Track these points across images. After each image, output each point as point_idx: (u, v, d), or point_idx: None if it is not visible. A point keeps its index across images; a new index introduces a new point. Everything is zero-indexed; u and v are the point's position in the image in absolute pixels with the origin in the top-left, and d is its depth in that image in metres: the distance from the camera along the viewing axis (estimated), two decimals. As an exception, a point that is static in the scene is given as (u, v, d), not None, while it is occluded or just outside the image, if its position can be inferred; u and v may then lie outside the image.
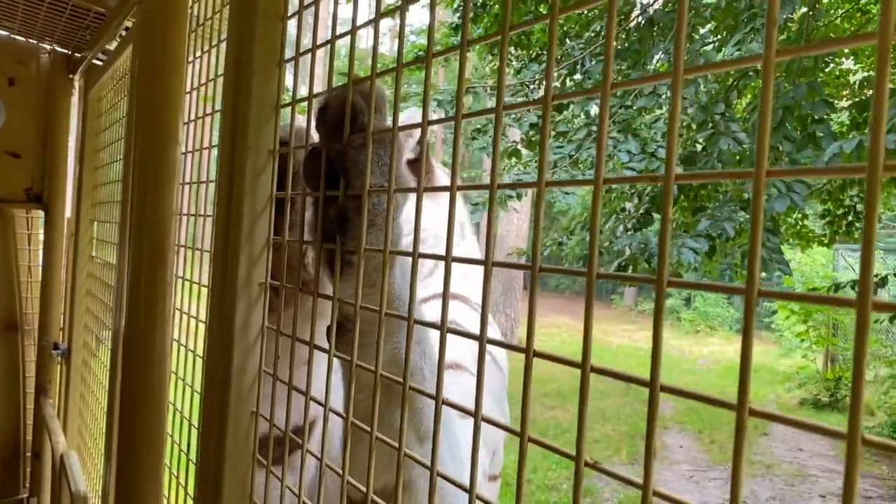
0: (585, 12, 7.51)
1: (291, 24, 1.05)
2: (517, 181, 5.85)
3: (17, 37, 2.60)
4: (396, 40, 0.76)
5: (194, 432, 1.23)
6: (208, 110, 1.39)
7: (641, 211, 5.15)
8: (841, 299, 0.37)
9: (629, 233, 5.04)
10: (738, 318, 19.89)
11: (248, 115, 1.02)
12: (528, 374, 0.54)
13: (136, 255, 1.36)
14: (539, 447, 0.53)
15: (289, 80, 1.07)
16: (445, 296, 0.63)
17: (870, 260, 0.35)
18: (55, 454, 2.14)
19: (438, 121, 0.69)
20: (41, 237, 2.74)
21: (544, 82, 0.55)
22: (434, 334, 0.65)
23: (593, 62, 5.44)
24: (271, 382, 0.95)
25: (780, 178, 0.40)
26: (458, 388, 1.24)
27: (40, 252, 2.72)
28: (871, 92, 7.40)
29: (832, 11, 7.77)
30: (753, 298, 0.39)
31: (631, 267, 4.90)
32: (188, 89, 1.46)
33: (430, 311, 1.42)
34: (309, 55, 0.96)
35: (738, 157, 4.77)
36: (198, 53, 1.43)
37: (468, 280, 1.55)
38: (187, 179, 1.47)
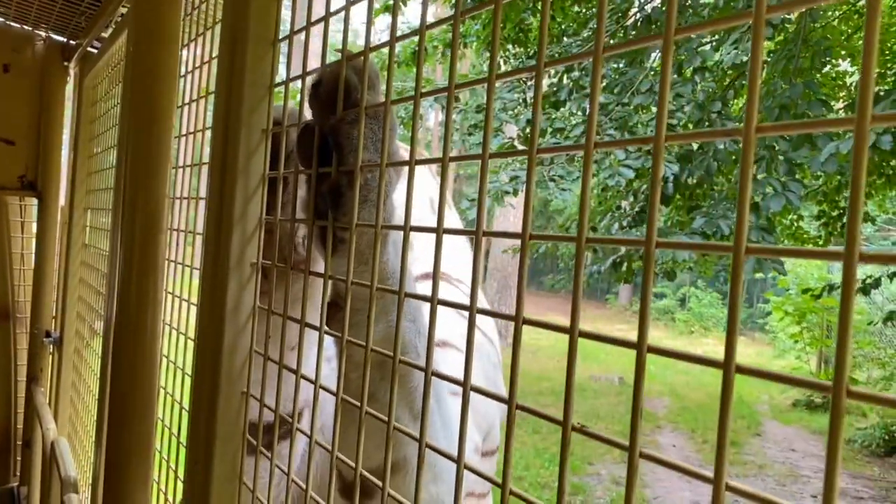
0: (583, 10, 7.52)
1: (286, 4, 1.04)
2: (513, 178, 5.86)
3: (13, 23, 2.59)
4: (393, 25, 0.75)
5: (185, 415, 1.23)
6: (203, 93, 1.39)
7: (637, 209, 5.15)
8: (829, 251, 0.37)
9: (624, 230, 5.04)
10: (732, 319, 19.92)
11: (241, 95, 1.01)
12: (518, 343, 0.54)
13: (127, 239, 1.36)
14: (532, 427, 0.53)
15: (283, 72, 1.07)
16: (436, 269, 0.62)
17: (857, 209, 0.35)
18: (46, 442, 2.13)
19: (431, 92, 0.69)
20: (34, 225, 2.72)
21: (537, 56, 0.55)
22: (427, 311, 0.65)
23: (590, 59, 5.42)
24: (262, 364, 0.94)
25: (768, 133, 0.40)
26: (448, 366, 1.24)
27: (33, 240, 2.71)
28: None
29: (829, 13, 7.79)
30: (741, 256, 0.39)
31: (625, 264, 4.91)
32: (182, 73, 1.45)
33: (420, 290, 1.42)
34: (303, 34, 0.95)
35: (734, 157, 4.78)
36: (192, 36, 1.43)
37: (456, 264, 1.55)
38: (182, 162, 1.47)
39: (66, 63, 2.72)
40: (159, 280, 1.36)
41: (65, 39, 2.65)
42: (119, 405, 1.32)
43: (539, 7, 6.99)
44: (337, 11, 0.84)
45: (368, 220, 0.82)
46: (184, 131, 1.45)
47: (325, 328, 0.81)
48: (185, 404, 1.21)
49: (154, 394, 1.32)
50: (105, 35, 2.36)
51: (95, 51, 2.52)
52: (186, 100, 1.46)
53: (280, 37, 1.02)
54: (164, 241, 1.38)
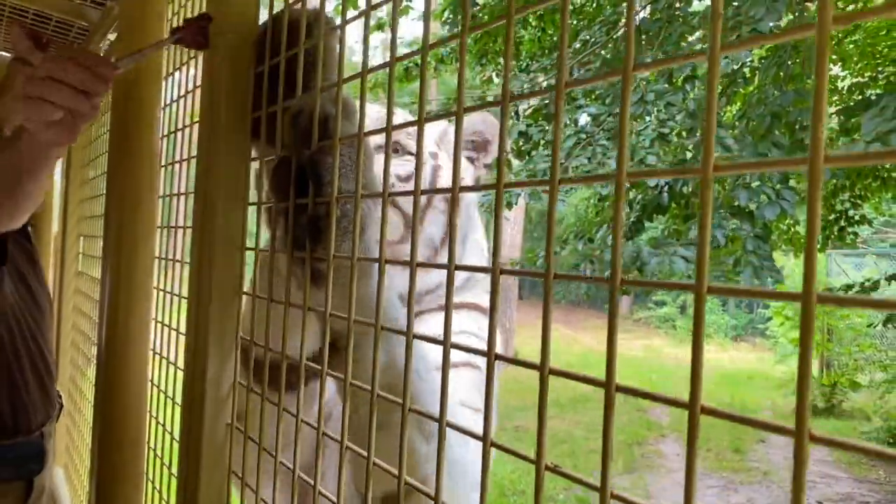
0: (573, 21, 7.54)
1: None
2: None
3: (2, 52, 2.60)
4: (388, 52, 0.76)
5: (175, 445, 1.23)
6: (187, 122, 1.39)
7: (633, 219, 5.16)
8: (788, 294, 0.37)
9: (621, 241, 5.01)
10: (732, 325, 19.92)
11: (223, 124, 1.02)
12: (490, 376, 0.54)
13: (114, 269, 1.36)
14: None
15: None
16: (448, 306, 0.62)
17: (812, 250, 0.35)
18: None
19: (404, 125, 0.69)
20: (28, 252, 2.72)
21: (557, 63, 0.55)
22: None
23: (581, 71, 5.47)
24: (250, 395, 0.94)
25: (726, 173, 0.40)
26: (460, 381, 1.25)
27: (27, 267, 2.70)
28: (859, 97, 7.45)
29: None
30: (703, 294, 0.39)
31: (628, 275, 4.85)
32: (164, 103, 1.46)
33: (433, 321, 1.42)
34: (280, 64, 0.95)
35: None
36: (177, 65, 1.43)
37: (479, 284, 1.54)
38: (168, 191, 1.47)
39: (56, 90, 2.72)
40: (147, 308, 1.36)
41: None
42: (108, 433, 1.32)
43: (531, 21, 7.05)
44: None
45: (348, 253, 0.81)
46: (169, 160, 1.45)
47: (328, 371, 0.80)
48: (175, 433, 1.21)
49: (143, 421, 1.32)
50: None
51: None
52: (170, 129, 1.47)
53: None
54: (152, 270, 1.38)
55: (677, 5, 5.69)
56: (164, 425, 1.32)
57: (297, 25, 0.86)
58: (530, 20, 6.96)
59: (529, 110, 5.37)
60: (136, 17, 1.43)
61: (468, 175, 1.54)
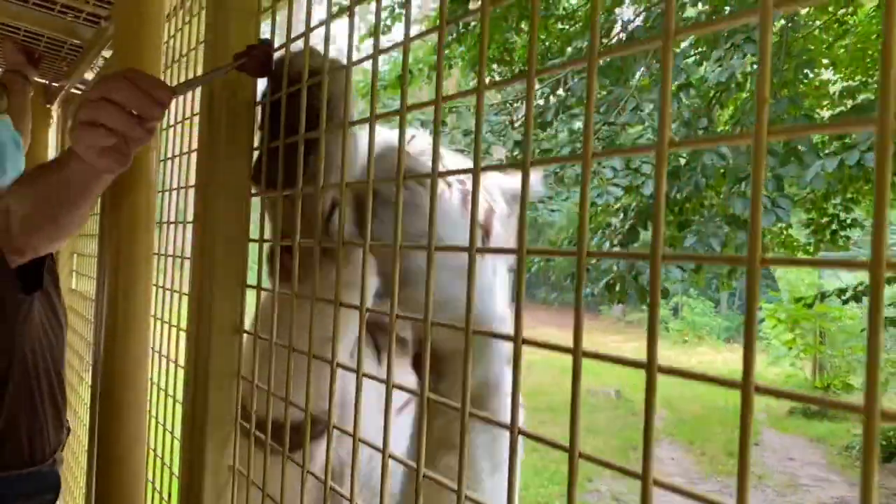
0: (567, 27, 7.55)
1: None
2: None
3: (-5, 69, 2.58)
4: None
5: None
6: (185, 147, 1.37)
7: (627, 227, 5.16)
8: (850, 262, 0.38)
9: (615, 248, 5.04)
10: (725, 327, 19.98)
11: (222, 156, 1.00)
12: (518, 364, 0.52)
13: (111, 296, 1.34)
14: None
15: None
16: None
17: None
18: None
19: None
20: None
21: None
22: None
23: (576, 80, 5.47)
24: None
25: (778, 138, 0.41)
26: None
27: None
28: (850, 103, 7.47)
29: (811, 23, 7.84)
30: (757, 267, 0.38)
31: (618, 285, 4.90)
32: (163, 126, 1.44)
33: None
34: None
35: (722, 171, 4.80)
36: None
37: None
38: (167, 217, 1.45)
39: (48, 105, 2.71)
40: (146, 338, 1.34)
41: (47, 82, 2.64)
42: (106, 468, 1.30)
43: (524, 26, 7.04)
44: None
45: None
46: (167, 186, 1.44)
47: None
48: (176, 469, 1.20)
49: (142, 456, 1.31)
50: (88, 77, 2.35)
51: (78, 92, 2.51)
52: (170, 154, 1.45)
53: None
54: (148, 301, 1.37)
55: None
56: (161, 458, 1.30)
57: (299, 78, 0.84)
58: (523, 26, 6.96)
59: (522, 118, 5.38)
60: (132, 37, 1.41)
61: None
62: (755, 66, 5.79)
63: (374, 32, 0.72)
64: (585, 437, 9.79)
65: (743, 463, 0.39)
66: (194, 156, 1.22)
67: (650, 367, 0.44)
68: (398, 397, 1.06)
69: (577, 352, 0.49)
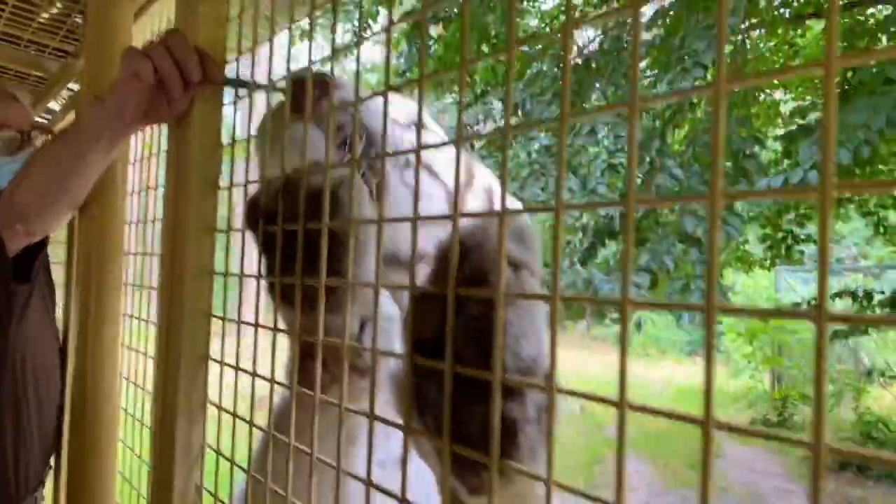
0: (526, 48, 7.71)
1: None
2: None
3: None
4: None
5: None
6: (151, 183, 1.43)
7: (586, 245, 5.28)
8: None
9: (574, 267, 5.17)
10: (687, 341, 20.23)
11: (189, 193, 1.07)
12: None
13: (82, 324, 1.39)
14: None
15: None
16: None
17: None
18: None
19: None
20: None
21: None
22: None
23: (533, 104, 5.60)
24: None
25: (733, 199, 0.43)
26: None
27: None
28: (800, 122, 7.72)
29: (761, 45, 8.10)
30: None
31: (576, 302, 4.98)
32: (132, 161, 1.50)
33: None
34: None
35: (676, 191, 4.95)
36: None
37: None
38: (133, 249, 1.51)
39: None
40: (114, 365, 1.39)
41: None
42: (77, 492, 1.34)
43: (484, 49, 7.17)
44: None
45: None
46: (132, 219, 1.49)
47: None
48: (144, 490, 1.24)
49: (113, 475, 1.35)
50: (54, 107, 2.39)
51: (45, 122, 2.54)
52: (137, 189, 1.51)
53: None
54: (119, 324, 1.41)
55: (626, 38, 5.87)
56: (130, 482, 1.35)
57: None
58: (484, 49, 7.09)
59: (482, 141, 5.49)
60: (102, 73, 1.44)
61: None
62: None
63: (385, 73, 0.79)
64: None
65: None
66: (160, 190, 1.28)
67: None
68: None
69: (622, 404, 0.49)
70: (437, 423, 0.61)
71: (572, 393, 0.52)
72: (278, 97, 0.94)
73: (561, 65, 5.23)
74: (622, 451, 0.46)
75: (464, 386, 0.58)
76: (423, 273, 0.66)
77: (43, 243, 1.51)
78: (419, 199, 0.63)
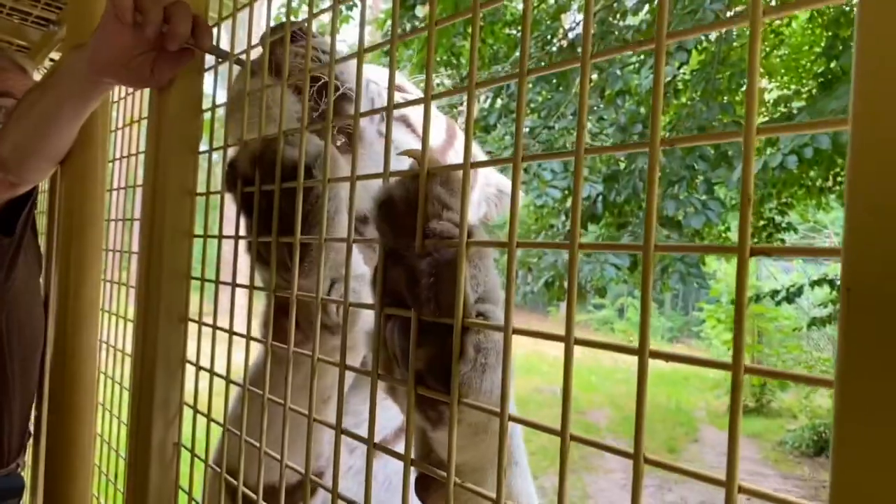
0: (514, 32, 7.71)
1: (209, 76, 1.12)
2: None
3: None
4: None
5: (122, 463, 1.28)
6: (133, 149, 1.45)
7: (568, 228, 5.30)
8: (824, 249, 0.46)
9: (557, 249, 5.17)
10: (668, 328, 20.41)
11: (168, 158, 1.08)
12: (507, 354, 0.62)
13: (62, 290, 1.40)
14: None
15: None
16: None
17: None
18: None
19: (372, 112, 0.77)
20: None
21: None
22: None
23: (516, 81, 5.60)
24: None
25: (766, 135, 0.43)
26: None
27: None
28: (784, 109, 7.77)
29: (746, 33, 8.12)
30: (746, 257, 0.43)
31: (557, 282, 5.08)
32: (112, 128, 1.51)
33: None
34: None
35: (658, 176, 4.96)
36: (122, 95, 1.48)
37: None
38: (116, 215, 1.52)
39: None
40: (94, 329, 1.41)
41: None
42: (56, 453, 1.36)
43: (469, 31, 7.13)
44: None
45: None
46: (114, 186, 1.50)
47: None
48: (122, 452, 1.27)
49: (91, 438, 1.37)
50: (36, 78, 2.38)
51: (24, 92, 2.53)
52: (118, 155, 1.52)
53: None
54: (98, 289, 1.43)
55: (611, 20, 5.89)
56: (110, 443, 1.37)
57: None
58: (469, 31, 7.08)
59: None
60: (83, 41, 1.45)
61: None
62: (694, 73, 6.03)
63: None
64: (530, 435, 9.92)
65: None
66: (141, 157, 1.30)
67: (641, 356, 0.47)
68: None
69: (569, 340, 0.51)
70: (403, 366, 0.64)
71: (525, 332, 0.54)
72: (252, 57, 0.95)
73: (546, 46, 5.23)
74: (568, 384, 0.48)
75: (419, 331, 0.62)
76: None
77: (27, 200, 1.50)
78: (395, 150, 0.66)
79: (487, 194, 1.29)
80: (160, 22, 0.99)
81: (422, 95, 0.64)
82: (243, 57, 0.97)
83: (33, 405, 1.71)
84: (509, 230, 0.54)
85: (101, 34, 1.07)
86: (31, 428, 1.75)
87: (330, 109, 0.75)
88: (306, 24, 0.82)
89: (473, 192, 1.21)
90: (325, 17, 0.80)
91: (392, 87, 0.69)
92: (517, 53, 6.63)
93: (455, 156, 1.15)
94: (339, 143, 1.02)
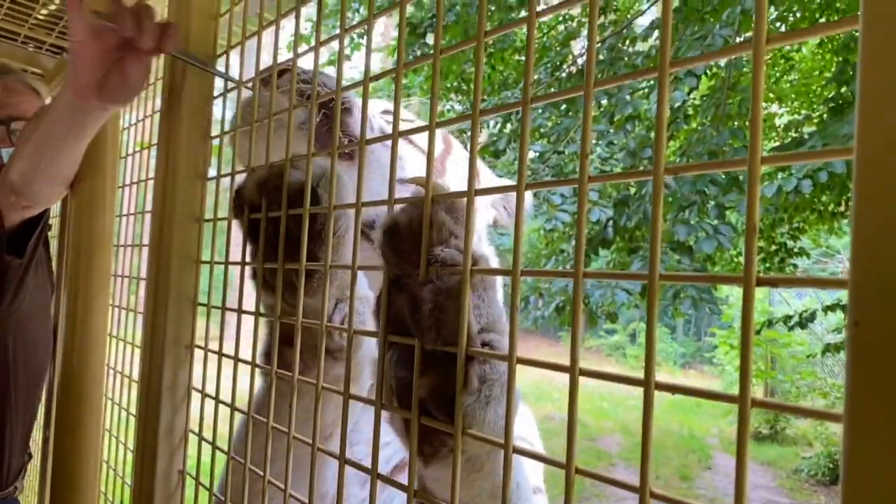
0: (523, 58, 7.75)
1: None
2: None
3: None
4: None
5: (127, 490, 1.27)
6: (142, 175, 1.45)
7: (579, 252, 5.29)
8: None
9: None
10: (681, 353, 20.28)
11: (176, 184, 1.09)
12: (512, 382, 0.61)
13: (70, 314, 1.40)
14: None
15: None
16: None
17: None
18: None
19: (378, 139, 0.77)
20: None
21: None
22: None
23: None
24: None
25: (771, 164, 0.42)
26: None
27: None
28: (794, 134, 7.77)
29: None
30: (752, 285, 0.41)
31: (568, 307, 5.05)
32: (123, 155, 1.52)
33: None
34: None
35: (669, 199, 4.98)
36: (132, 122, 1.50)
37: None
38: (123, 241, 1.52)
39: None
40: (101, 354, 1.41)
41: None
42: (61, 479, 1.35)
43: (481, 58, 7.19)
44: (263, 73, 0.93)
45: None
46: (125, 211, 1.51)
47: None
48: (128, 478, 1.26)
49: (97, 466, 1.36)
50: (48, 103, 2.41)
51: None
52: (127, 181, 1.53)
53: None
54: (106, 314, 1.43)
55: (621, 46, 5.92)
56: (115, 470, 1.36)
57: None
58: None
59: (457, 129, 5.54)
60: None
61: None
62: (704, 99, 6.04)
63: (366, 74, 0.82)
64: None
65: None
66: (150, 183, 1.30)
67: (647, 388, 0.46)
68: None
69: (574, 371, 0.50)
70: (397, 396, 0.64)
71: (530, 363, 0.53)
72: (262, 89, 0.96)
73: (556, 72, 5.26)
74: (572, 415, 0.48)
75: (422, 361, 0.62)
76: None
77: (39, 221, 1.51)
78: (399, 163, 0.67)
79: (493, 199, 1.30)
80: (132, 25, 1.00)
81: (414, 119, 0.64)
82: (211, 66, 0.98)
83: (33, 428, 1.71)
84: (513, 258, 0.54)
85: (71, 56, 1.09)
86: (31, 449, 1.75)
87: (336, 127, 0.75)
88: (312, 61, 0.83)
89: (478, 207, 1.22)
90: (336, 45, 0.80)
91: (398, 112, 0.69)
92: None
93: (453, 163, 1.17)
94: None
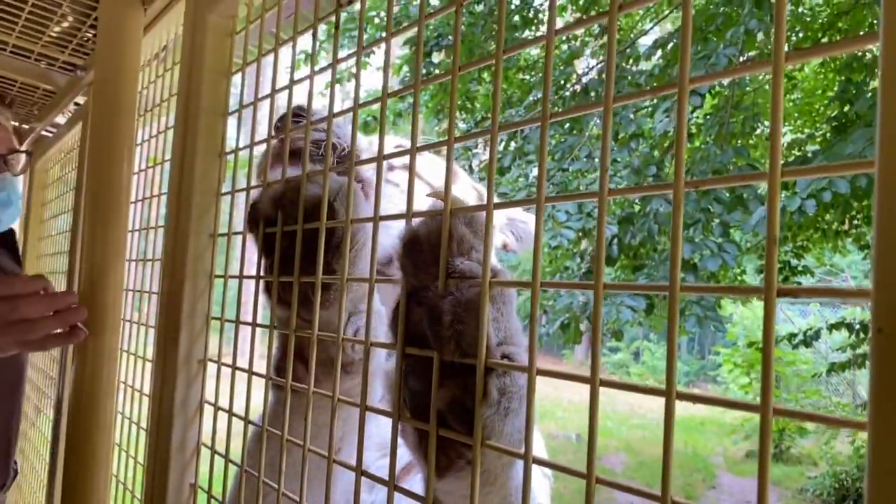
0: (527, 77, 7.81)
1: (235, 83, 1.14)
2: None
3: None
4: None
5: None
6: (155, 190, 1.47)
7: (584, 270, 5.32)
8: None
9: (572, 291, 5.19)
10: (686, 371, 20.20)
11: (191, 200, 1.10)
12: (532, 391, 0.62)
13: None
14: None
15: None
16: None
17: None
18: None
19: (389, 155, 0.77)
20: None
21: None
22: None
23: (533, 128, 5.69)
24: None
25: (790, 177, 0.42)
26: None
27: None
28: (798, 153, 7.79)
29: (760, 77, 8.19)
30: (773, 296, 0.41)
31: (573, 324, 5.06)
32: (136, 170, 1.53)
33: None
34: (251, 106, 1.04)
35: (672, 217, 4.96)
36: (145, 138, 1.51)
37: None
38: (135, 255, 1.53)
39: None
40: (112, 368, 1.41)
41: (17, 124, 2.71)
42: (71, 495, 1.35)
43: (485, 77, 7.28)
44: (281, 89, 0.94)
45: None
46: (135, 226, 1.52)
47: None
48: (138, 493, 1.26)
49: (107, 482, 1.36)
50: (60, 121, 2.43)
51: (49, 135, 2.58)
52: (140, 196, 1.54)
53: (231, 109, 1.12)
54: (117, 334, 1.43)
55: (624, 65, 5.96)
56: (125, 485, 1.36)
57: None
58: (485, 76, 7.18)
59: (483, 163, 5.56)
60: (110, 86, 1.44)
61: None
62: (708, 117, 6.06)
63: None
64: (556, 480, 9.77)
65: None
66: (163, 198, 1.32)
67: (669, 397, 0.47)
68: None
69: (594, 381, 0.50)
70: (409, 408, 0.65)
71: (551, 374, 0.54)
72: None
73: (559, 91, 5.29)
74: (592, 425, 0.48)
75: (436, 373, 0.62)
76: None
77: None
78: (405, 195, 0.68)
79: (501, 225, 1.32)
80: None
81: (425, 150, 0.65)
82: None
83: (12, 437, 1.69)
84: (532, 270, 0.55)
85: None
86: (17, 465, 1.74)
87: (352, 160, 0.76)
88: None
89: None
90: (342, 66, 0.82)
91: (416, 124, 0.70)
92: (531, 98, 6.72)
93: (459, 190, 1.20)
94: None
